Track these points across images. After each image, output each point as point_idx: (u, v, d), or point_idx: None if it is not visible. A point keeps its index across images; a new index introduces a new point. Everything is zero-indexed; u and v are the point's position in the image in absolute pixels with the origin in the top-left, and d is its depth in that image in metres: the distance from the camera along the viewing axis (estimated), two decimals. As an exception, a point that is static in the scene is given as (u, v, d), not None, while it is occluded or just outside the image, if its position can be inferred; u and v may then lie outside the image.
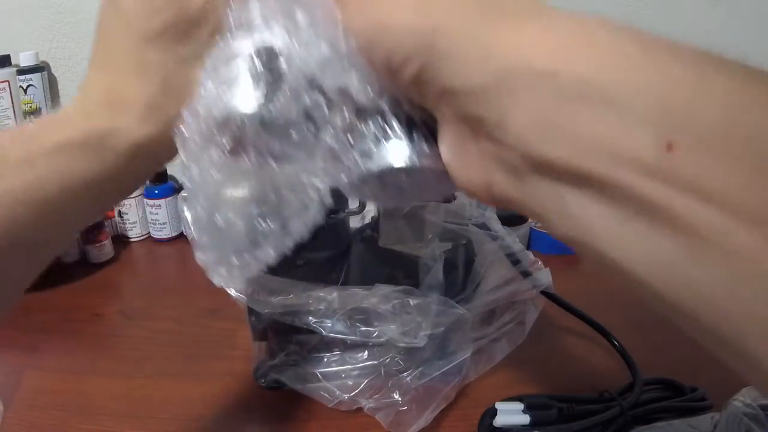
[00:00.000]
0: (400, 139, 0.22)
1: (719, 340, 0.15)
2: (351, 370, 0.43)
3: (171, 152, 0.27)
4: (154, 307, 0.58)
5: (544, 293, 0.47)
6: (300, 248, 0.41)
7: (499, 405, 0.40)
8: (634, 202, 0.15)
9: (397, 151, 0.22)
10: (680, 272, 0.15)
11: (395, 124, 0.22)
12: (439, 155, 0.22)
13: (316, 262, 0.41)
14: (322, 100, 0.23)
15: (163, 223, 0.71)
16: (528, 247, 0.70)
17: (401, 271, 0.43)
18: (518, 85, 0.16)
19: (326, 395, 0.42)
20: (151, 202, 0.70)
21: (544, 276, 0.46)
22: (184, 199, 0.41)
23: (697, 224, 0.14)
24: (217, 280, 0.26)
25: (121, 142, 0.25)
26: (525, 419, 0.39)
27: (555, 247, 0.71)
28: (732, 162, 0.14)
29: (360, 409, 0.41)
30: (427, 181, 0.24)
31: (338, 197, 0.41)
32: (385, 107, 0.22)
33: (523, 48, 0.17)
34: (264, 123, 0.23)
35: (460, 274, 0.44)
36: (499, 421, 0.39)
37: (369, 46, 0.20)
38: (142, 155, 0.26)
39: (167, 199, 0.70)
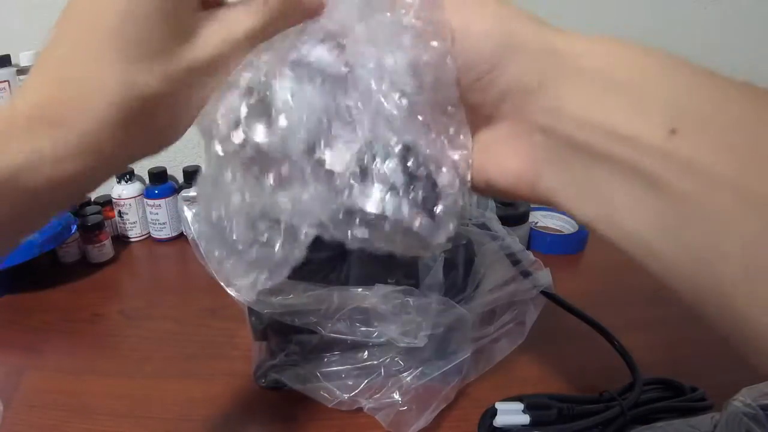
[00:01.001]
0: (386, 186, 0.23)
1: (706, 292, 0.19)
2: (351, 370, 0.43)
3: (100, 181, 0.23)
4: (154, 307, 0.58)
5: (544, 293, 0.47)
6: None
7: (499, 405, 0.40)
8: (644, 177, 0.19)
9: (377, 197, 0.23)
10: (675, 232, 0.19)
11: (394, 169, 0.23)
12: (415, 217, 0.23)
13: (316, 262, 0.41)
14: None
15: (163, 223, 0.71)
16: (528, 247, 0.70)
17: (401, 271, 0.43)
18: (572, 79, 0.21)
19: (326, 395, 0.42)
20: (151, 202, 0.70)
21: (544, 276, 0.46)
22: (185, 199, 0.41)
23: (689, 192, 0.18)
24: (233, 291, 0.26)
25: (42, 176, 0.20)
26: (525, 419, 0.39)
27: (555, 247, 0.71)
28: (716, 144, 0.18)
29: (360, 409, 0.41)
30: (395, 235, 0.24)
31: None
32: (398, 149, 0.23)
33: (576, 52, 0.21)
34: (261, 151, 0.23)
35: (460, 274, 0.44)
36: (499, 421, 0.39)
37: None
38: (65, 189, 0.21)
39: (167, 199, 0.70)
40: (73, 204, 0.24)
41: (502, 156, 0.24)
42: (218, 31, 0.23)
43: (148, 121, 0.22)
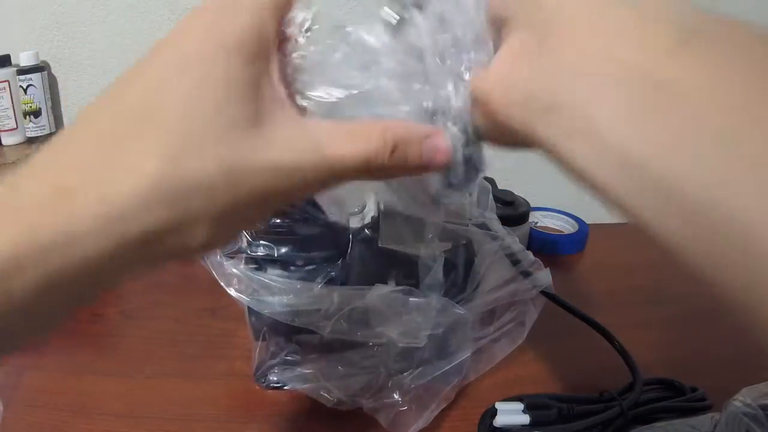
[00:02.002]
0: None
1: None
2: (351, 370, 0.43)
3: (116, 276, 0.18)
4: (154, 307, 0.58)
5: (544, 293, 0.47)
6: (300, 248, 0.41)
7: (499, 405, 0.40)
8: (636, 85, 0.17)
9: None
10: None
11: None
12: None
13: (316, 262, 0.41)
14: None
15: (163, 223, 0.71)
16: (528, 247, 0.70)
17: (401, 271, 0.43)
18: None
19: (326, 395, 0.42)
20: (151, 202, 0.70)
21: (544, 276, 0.46)
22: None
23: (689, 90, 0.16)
24: None
25: (69, 256, 0.16)
26: (525, 419, 0.39)
27: (555, 247, 0.71)
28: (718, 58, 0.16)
29: (360, 409, 0.41)
30: None
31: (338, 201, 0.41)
32: None
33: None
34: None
35: (460, 274, 0.44)
36: (499, 421, 0.39)
37: None
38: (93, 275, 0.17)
39: (167, 199, 0.70)
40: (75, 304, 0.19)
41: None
42: (305, 139, 0.19)
43: (181, 208, 0.18)
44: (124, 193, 0.17)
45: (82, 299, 0.19)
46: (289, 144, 0.19)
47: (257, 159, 0.18)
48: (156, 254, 0.18)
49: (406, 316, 0.39)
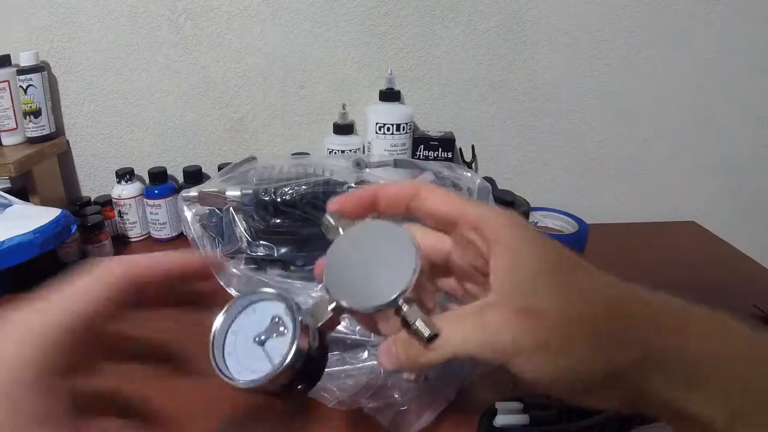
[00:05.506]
0: None
1: None
2: (351, 370, 0.43)
3: None
4: (154, 307, 0.58)
5: (544, 293, 0.47)
6: (300, 248, 0.41)
7: (499, 405, 0.40)
8: None
9: None
10: None
11: None
12: None
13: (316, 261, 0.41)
14: None
15: (163, 223, 0.71)
16: (528, 247, 0.69)
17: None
18: (664, 369, 0.24)
19: (326, 395, 0.42)
20: (151, 202, 0.70)
21: (544, 276, 0.46)
22: (185, 199, 0.41)
23: None
24: None
25: None
26: (525, 419, 0.39)
27: (555, 247, 0.71)
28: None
29: (360, 409, 0.41)
30: None
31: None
32: None
33: (671, 346, 0.24)
34: None
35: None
36: (499, 421, 0.39)
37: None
38: None
39: (167, 199, 0.70)
40: None
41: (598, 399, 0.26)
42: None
43: None
44: None
45: None
46: None
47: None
48: None
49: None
